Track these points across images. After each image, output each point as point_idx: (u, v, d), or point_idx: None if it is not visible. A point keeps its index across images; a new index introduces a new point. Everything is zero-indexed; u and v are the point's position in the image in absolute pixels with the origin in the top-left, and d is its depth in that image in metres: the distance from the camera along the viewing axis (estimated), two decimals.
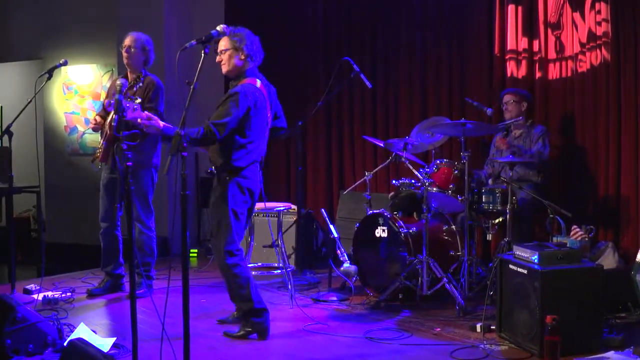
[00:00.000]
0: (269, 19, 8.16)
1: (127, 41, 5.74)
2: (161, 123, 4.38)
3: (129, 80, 5.74)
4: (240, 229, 4.62)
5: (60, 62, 5.79)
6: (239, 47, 4.57)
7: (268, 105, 4.71)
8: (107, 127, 5.57)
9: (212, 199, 4.67)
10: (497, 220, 5.74)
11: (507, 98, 6.10)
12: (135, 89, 5.68)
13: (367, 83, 5.75)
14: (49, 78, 5.70)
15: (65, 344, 3.91)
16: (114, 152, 5.47)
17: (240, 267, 4.58)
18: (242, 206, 4.60)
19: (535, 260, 4.22)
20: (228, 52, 4.58)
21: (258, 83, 4.65)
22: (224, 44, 4.58)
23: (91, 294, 5.86)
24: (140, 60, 5.75)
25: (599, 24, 6.04)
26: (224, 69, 4.65)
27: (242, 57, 4.59)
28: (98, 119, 5.74)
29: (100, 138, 5.75)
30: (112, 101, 5.36)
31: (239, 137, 4.56)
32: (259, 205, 5.79)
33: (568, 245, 4.74)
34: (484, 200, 5.63)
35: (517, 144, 6.03)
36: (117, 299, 5.79)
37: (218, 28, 3.79)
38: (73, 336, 4.08)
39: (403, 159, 5.76)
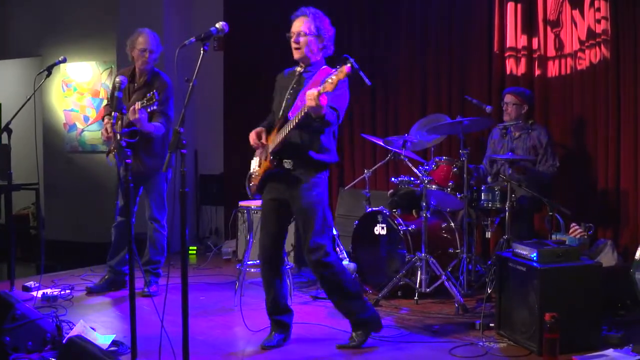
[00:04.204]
0: (267, 17, 8.15)
1: (143, 43, 5.63)
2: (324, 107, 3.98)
3: (137, 81, 5.69)
4: None
5: (59, 59, 5.78)
6: (315, 31, 4.35)
7: None
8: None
9: (305, 199, 4.25)
10: (496, 218, 5.73)
11: (509, 99, 6.04)
12: (143, 88, 5.63)
13: (367, 80, 5.73)
14: (48, 75, 5.70)
15: (64, 341, 3.91)
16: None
17: (341, 262, 4.44)
18: None
19: (534, 258, 4.22)
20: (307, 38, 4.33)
21: None
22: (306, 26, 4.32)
23: (91, 291, 5.85)
24: (153, 59, 5.71)
25: (598, 21, 6.04)
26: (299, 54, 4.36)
27: (324, 44, 4.41)
28: (109, 129, 5.66)
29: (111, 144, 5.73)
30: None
31: (335, 129, 4.37)
32: (259, 203, 5.80)
33: (567, 243, 4.75)
34: (483, 197, 5.62)
35: (516, 144, 6.00)
36: (116, 296, 5.78)
37: (217, 25, 3.77)
38: (72, 333, 4.08)
39: (402, 157, 5.76)
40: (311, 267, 4.36)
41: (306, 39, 4.32)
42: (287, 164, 4.27)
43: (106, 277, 5.94)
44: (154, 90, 5.16)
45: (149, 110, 5.16)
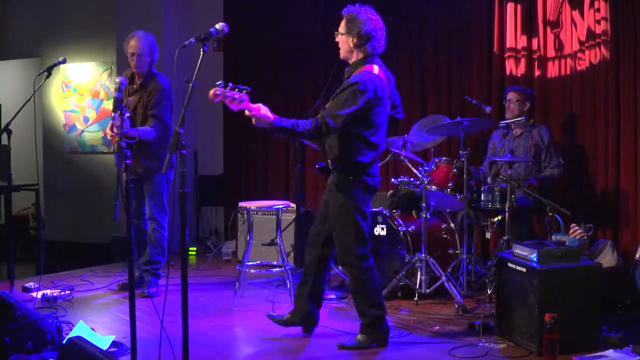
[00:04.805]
0: (267, 18, 8.15)
1: (134, 47, 5.63)
2: (270, 116, 4.13)
3: (135, 83, 5.71)
4: (368, 229, 4.38)
5: (59, 60, 5.77)
6: (347, 33, 4.35)
7: (387, 94, 4.41)
8: None
9: (334, 200, 4.37)
10: (495, 219, 5.74)
11: (511, 96, 6.07)
12: (139, 90, 5.65)
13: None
14: (48, 76, 5.69)
15: (64, 341, 3.91)
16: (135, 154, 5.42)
17: (373, 271, 4.37)
18: (368, 204, 4.37)
19: (534, 259, 4.22)
20: (343, 37, 4.38)
21: (376, 69, 4.32)
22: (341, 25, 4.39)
23: (123, 287, 5.88)
24: (147, 62, 5.71)
25: (598, 22, 6.05)
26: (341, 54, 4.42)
27: (355, 42, 4.33)
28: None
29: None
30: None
31: (363, 130, 4.26)
32: (258, 204, 5.81)
33: (567, 244, 4.74)
34: (483, 198, 5.63)
35: (517, 143, 6.03)
36: (116, 297, 5.79)
37: (217, 26, 3.77)
38: (72, 334, 4.08)
39: (402, 157, 5.75)
40: None
41: (341, 38, 4.41)
42: (330, 164, 4.40)
43: (136, 274, 5.92)
44: (123, 106, 5.27)
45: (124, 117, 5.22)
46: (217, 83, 4.01)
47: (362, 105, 4.17)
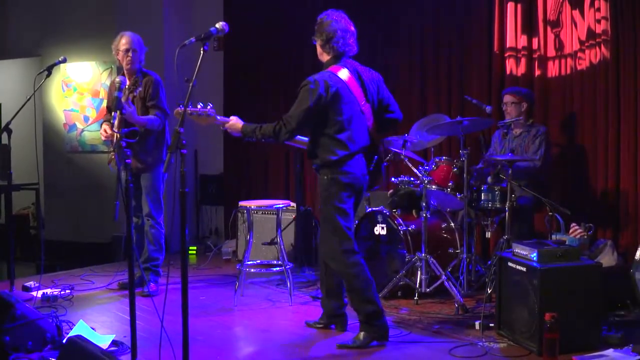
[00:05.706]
0: (268, 17, 8.15)
1: (127, 43, 5.72)
2: (239, 124, 4.46)
3: (129, 81, 5.73)
4: (350, 225, 4.41)
5: (59, 59, 5.78)
6: (316, 37, 4.52)
7: (359, 93, 4.42)
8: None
9: (320, 198, 4.48)
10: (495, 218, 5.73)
11: (507, 99, 6.06)
12: (136, 92, 5.68)
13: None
14: (48, 75, 5.70)
15: (64, 341, 3.91)
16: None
17: (361, 266, 4.38)
18: (346, 201, 4.38)
19: (534, 258, 4.22)
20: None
21: (343, 72, 4.40)
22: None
23: (123, 287, 5.90)
24: (138, 60, 5.75)
25: (599, 21, 6.04)
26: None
27: (321, 44, 4.51)
28: (108, 130, 5.63)
29: (110, 144, 5.76)
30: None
31: (327, 128, 4.34)
32: (258, 203, 5.81)
33: (567, 243, 4.74)
34: (483, 197, 5.62)
35: (516, 143, 6.03)
36: (116, 296, 5.79)
37: (217, 25, 3.78)
38: (72, 333, 4.08)
39: (402, 157, 5.75)
40: None
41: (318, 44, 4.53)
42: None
43: (138, 274, 5.91)
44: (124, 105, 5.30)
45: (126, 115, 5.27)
46: (177, 103, 4.10)
47: (315, 102, 4.28)
